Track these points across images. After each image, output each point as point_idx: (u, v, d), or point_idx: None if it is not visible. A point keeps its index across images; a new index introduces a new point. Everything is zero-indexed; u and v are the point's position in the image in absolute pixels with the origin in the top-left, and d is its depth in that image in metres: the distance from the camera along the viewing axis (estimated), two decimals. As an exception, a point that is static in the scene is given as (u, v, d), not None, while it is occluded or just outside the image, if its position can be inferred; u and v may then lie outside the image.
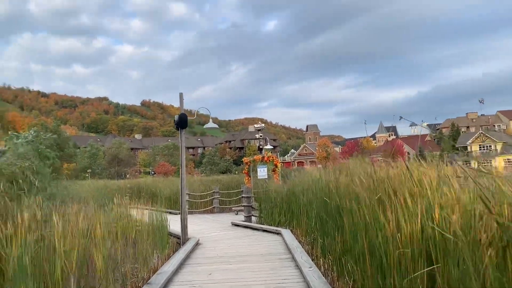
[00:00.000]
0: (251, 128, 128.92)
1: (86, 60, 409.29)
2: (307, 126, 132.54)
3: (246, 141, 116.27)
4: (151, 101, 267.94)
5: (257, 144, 17.83)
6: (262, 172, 16.96)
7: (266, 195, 11.94)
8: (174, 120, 9.59)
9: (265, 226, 10.73)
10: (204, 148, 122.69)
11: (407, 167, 4.40)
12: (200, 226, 12.70)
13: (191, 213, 16.95)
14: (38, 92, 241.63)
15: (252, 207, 12.44)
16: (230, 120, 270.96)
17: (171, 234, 10.34)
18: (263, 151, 17.46)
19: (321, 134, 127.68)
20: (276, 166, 15.01)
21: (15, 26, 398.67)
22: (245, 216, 12.39)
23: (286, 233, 9.27)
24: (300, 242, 8.41)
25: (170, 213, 17.94)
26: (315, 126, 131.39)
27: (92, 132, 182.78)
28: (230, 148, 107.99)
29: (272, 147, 17.65)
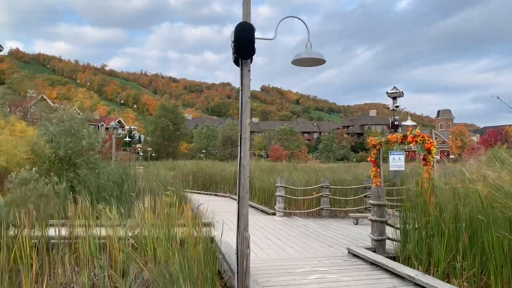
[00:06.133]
0: (371, 113, 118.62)
1: (216, 47, 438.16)
2: (438, 111, 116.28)
3: (366, 126, 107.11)
4: (270, 86, 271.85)
5: (390, 119, 11.80)
6: (397, 160, 11.06)
7: (416, 204, 6.26)
8: (232, 42, 4.51)
9: (419, 275, 5.07)
10: (320, 133, 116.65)
11: None
12: (291, 246, 7.54)
13: (288, 214, 11.89)
14: (170, 77, 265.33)
15: (387, 223, 6.82)
16: (348, 105, 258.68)
17: (226, 261, 5.45)
18: (400, 129, 11.43)
19: (454, 121, 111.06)
20: (429, 151, 8.91)
21: (156, 17, 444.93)
22: (373, 239, 6.83)
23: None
24: None
25: (262, 211, 13.22)
26: (448, 111, 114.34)
27: (215, 115, 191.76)
28: (348, 134, 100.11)
29: (414, 123, 11.46)
